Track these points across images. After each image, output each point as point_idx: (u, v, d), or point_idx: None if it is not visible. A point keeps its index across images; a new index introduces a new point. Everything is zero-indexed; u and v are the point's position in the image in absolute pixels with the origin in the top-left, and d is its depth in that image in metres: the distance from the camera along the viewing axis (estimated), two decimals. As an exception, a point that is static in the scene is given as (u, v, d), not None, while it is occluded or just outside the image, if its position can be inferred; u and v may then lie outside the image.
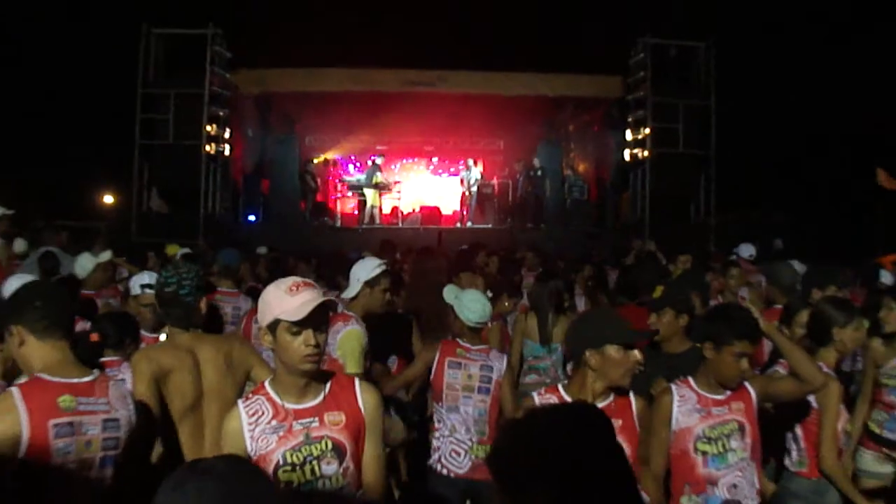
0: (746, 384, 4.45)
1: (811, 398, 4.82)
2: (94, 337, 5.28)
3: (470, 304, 5.79)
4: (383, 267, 5.77)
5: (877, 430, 5.79)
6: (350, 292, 5.72)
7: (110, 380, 3.59)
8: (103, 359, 5.31)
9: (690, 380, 4.46)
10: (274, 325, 3.26)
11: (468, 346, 5.74)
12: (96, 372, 3.55)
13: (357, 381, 3.60)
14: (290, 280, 3.37)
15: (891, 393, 5.75)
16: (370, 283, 5.69)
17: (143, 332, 5.78)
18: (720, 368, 4.36)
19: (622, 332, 3.98)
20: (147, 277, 6.25)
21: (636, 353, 3.94)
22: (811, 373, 4.37)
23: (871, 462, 5.79)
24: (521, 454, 2.01)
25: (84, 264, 8.28)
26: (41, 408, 3.24)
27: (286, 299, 3.26)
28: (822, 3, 26.40)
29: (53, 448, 3.22)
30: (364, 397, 3.51)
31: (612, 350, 3.87)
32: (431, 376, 5.75)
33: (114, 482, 3.44)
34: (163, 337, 4.96)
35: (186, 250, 11.21)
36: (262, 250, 13.38)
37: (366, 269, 5.73)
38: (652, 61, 20.24)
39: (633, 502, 2.16)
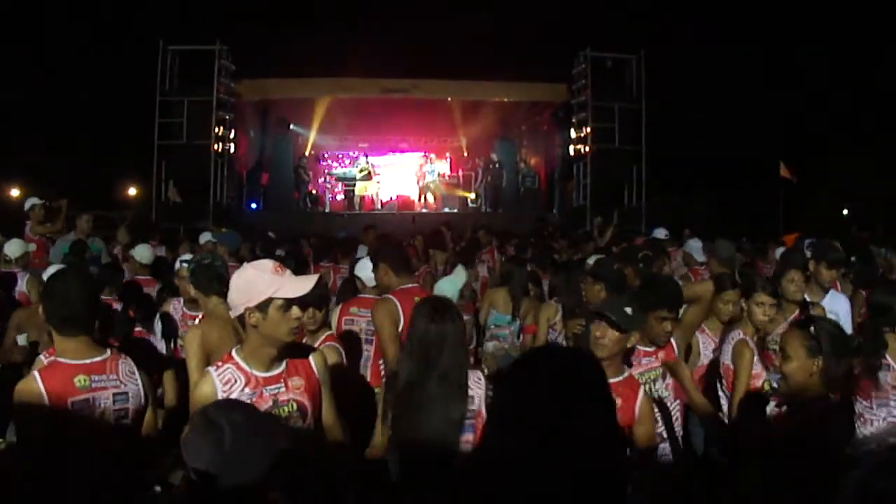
0: (673, 342, 4.68)
1: (728, 361, 4.99)
2: (131, 313, 5.38)
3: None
4: None
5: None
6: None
7: (120, 357, 3.55)
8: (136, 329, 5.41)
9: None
10: (266, 304, 3.16)
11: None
12: (108, 351, 3.52)
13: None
14: (269, 263, 3.29)
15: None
16: None
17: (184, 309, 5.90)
18: (648, 329, 4.51)
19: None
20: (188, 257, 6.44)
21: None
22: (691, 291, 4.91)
23: None
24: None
25: (142, 253, 7.97)
26: (60, 390, 3.27)
27: (277, 280, 3.19)
28: (731, 24, 26.67)
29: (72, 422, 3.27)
30: (314, 360, 3.49)
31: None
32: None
33: (123, 446, 3.45)
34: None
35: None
36: (272, 235, 13.35)
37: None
38: (592, 71, 20.20)
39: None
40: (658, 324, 4.50)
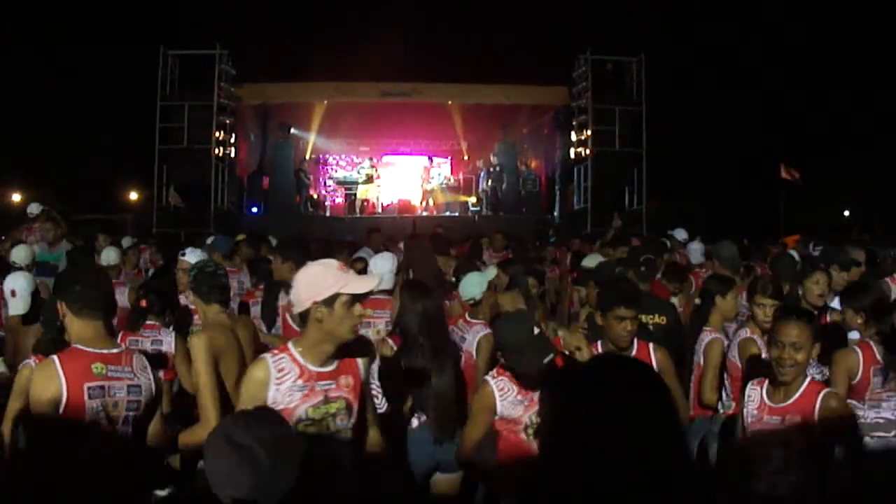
0: (650, 348, 4.56)
1: (733, 357, 5.04)
2: (144, 303, 5.44)
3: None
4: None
5: None
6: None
7: (134, 352, 3.66)
8: (148, 322, 5.47)
9: (598, 343, 4.56)
10: (332, 299, 3.25)
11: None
12: (122, 345, 3.66)
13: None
14: (334, 261, 3.45)
15: None
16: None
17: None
18: (608, 332, 4.50)
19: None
20: (189, 253, 6.56)
21: None
22: (681, 404, 4.85)
23: None
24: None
25: (109, 255, 8.15)
26: (77, 373, 3.35)
27: (343, 277, 3.30)
28: (731, 25, 26.71)
29: (87, 407, 3.34)
30: (362, 363, 3.59)
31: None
32: None
33: (134, 437, 3.54)
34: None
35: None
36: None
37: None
38: (592, 74, 20.20)
39: None
40: (617, 323, 4.41)
